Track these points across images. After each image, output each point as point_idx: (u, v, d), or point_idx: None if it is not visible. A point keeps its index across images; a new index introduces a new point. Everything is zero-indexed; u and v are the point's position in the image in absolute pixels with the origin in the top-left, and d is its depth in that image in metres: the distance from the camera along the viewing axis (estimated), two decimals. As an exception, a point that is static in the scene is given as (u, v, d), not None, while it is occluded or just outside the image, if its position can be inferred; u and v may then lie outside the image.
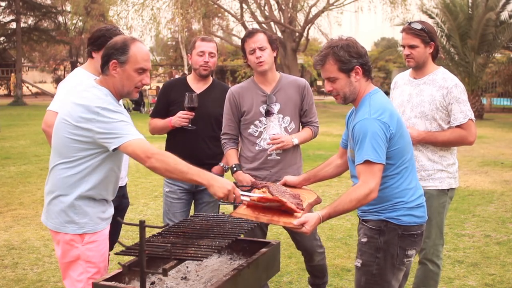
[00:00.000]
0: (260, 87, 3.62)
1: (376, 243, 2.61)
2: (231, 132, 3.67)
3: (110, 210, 2.70)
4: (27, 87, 36.48)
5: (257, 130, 3.61)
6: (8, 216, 6.34)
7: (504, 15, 20.42)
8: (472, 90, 19.78)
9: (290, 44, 24.61)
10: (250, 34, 3.57)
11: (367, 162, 2.47)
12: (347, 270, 4.56)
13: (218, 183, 2.43)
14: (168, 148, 3.84)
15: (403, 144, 2.59)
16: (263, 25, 23.92)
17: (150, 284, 2.48)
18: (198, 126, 3.74)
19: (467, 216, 6.31)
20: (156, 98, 4.42)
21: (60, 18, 36.32)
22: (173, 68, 36.96)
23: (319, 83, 36.21)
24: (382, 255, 2.60)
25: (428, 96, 3.37)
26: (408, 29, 3.38)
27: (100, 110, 2.41)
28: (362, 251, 2.66)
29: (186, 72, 24.86)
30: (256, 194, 2.65)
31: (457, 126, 3.34)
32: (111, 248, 3.15)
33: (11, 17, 33.02)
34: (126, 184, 3.58)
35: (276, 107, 3.59)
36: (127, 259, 2.43)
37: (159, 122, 3.87)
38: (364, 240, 2.65)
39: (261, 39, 3.52)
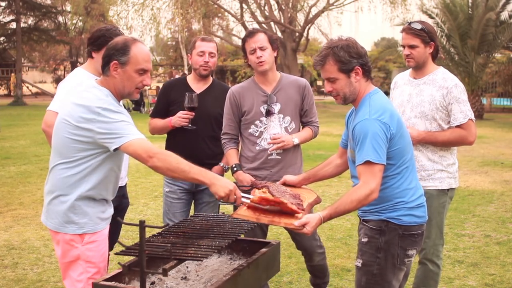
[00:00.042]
0: (260, 87, 3.62)
1: (376, 243, 2.61)
2: (231, 132, 3.68)
3: (110, 210, 2.70)
4: (27, 87, 36.48)
5: (257, 130, 3.61)
6: (8, 216, 6.34)
7: (504, 15, 20.43)
8: (472, 90, 19.78)
9: (290, 44, 24.61)
10: (250, 34, 3.57)
11: (367, 162, 2.47)
12: (347, 270, 4.56)
13: (220, 182, 2.43)
14: (168, 148, 3.83)
15: (403, 144, 2.59)
16: (263, 25, 23.92)
17: (150, 284, 2.48)
18: (198, 126, 3.74)
19: (467, 216, 6.31)
20: (156, 98, 4.42)
21: (60, 18, 36.32)
22: (173, 68, 36.96)
23: (319, 83, 36.21)
24: (382, 255, 2.60)
25: (428, 96, 3.37)
26: (408, 29, 3.38)
27: (101, 111, 2.41)
28: (363, 251, 2.66)
29: (186, 72, 24.86)
30: (256, 195, 2.64)
31: (457, 126, 3.34)
32: (111, 248, 3.15)
33: (11, 17, 33.02)
34: (126, 184, 3.58)
35: (276, 107, 3.59)
36: (127, 259, 2.43)
37: (159, 122, 3.87)
38: (365, 240, 2.65)
39: (261, 39, 3.52)
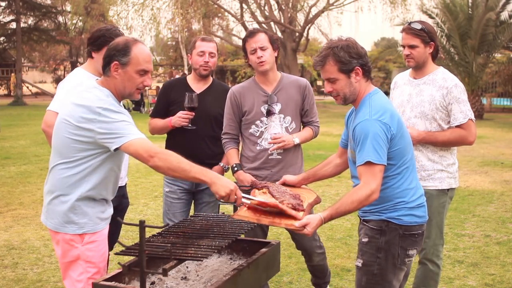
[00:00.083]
0: (261, 87, 3.62)
1: (377, 243, 2.61)
2: (232, 132, 3.68)
3: (110, 210, 2.70)
4: (27, 87, 36.47)
5: (258, 130, 3.61)
6: (8, 216, 6.34)
7: (504, 15, 20.43)
8: (472, 90, 19.78)
9: (290, 44, 24.60)
10: (251, 34, 3.57)
11: (368, 163, 2.47)
12: (347, 270, 4.56)
13: (221, 181, 2.43)
14: (168, 148, 3.83)
15: (403, 144, 2.59)
16: (263, 25, 23.91)
17: (150, 284, 2.48)
18: (198, 126, 3.74)
19: (467, 216, 6.31)
20: (156, 98, 4.42)
21: (60, 18, 36.31)
22: (173, 68, 36.95)
23: (319, 83, 36.19)
24: (383, 255, 2.60)
25: (428, 96, 3.37)
26: (408, 29, 3.38)
27: (101, 111, 2.41)
28: (363, 251, 2.66)
29: (186, 72, 24.85)
30: (257, 197, 2.64)
31: (457, 126, 3.34)
32: (111, 248, 3.15)
33: (11, 17, 33.01)
34: (126, 184, 3.58)
35: (277, 107, 3.59)
36: (127, 259, 2.43)
37: (159, 122, 3.87)
38: (365, 240, 2.65)
39: (262, 39, 3.52)
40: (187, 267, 2.72)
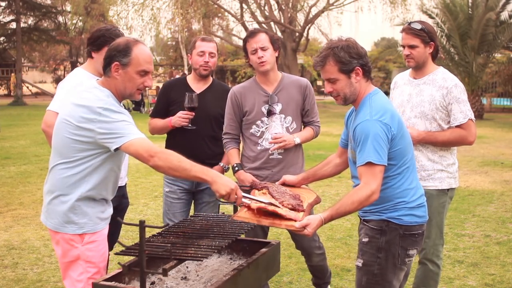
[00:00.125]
0: (262, 87, 3.62)
1: (377, 243, 2.61)
2: (232, 132, 3.68)
3: (109, 210, 2.70)
4: (27, 87, 36.46)
5: (259, 130, 3.61)
6: (8, 216, 6.34)
7: (504, 15, 20.43)
8: (472, 90, 19.78)
9: (290, 44, 24.60)
10: (252, 34, 3.57)
11: (369, 163, 2.47)
12: (347, 270, 4.56)
13: (222, 180, 2.43)
14: (168, 148, 3.82)
15: (404, 144, 2.59)
16: (263, 25, 23.89)
17: (150, 284, 2.48)
18: (198, 126, 3.74)
19: (467, 216, 6.31)
20: (156, 98, 4.42)
21: (60, 18, 36.31)
22: (173, 68, 36.95)
23: (319, 83, 36.19)
24: (383, 255, 2.60)
25: (428, 96, 3.37)
26: (408, 29, 3.38)
27: (102, 111, 2.41)
28: (364, 251, 2.66)
29: (186, 72, 24.85)
30: (256, 198, 2.63)
31: (457, 126, 3.34)
32: (111, 248, 3.15)
33: (11, 17, 33.00)
34: (126, 184, 3.58)
35: (278, 107, 3.59)
36: (127, 259, 2.43)
37: (159, 122, 3.87)
38: (366, 240, 2.65)
39: (263, 39, 3.52)
40: (187, 267, 2.72)
